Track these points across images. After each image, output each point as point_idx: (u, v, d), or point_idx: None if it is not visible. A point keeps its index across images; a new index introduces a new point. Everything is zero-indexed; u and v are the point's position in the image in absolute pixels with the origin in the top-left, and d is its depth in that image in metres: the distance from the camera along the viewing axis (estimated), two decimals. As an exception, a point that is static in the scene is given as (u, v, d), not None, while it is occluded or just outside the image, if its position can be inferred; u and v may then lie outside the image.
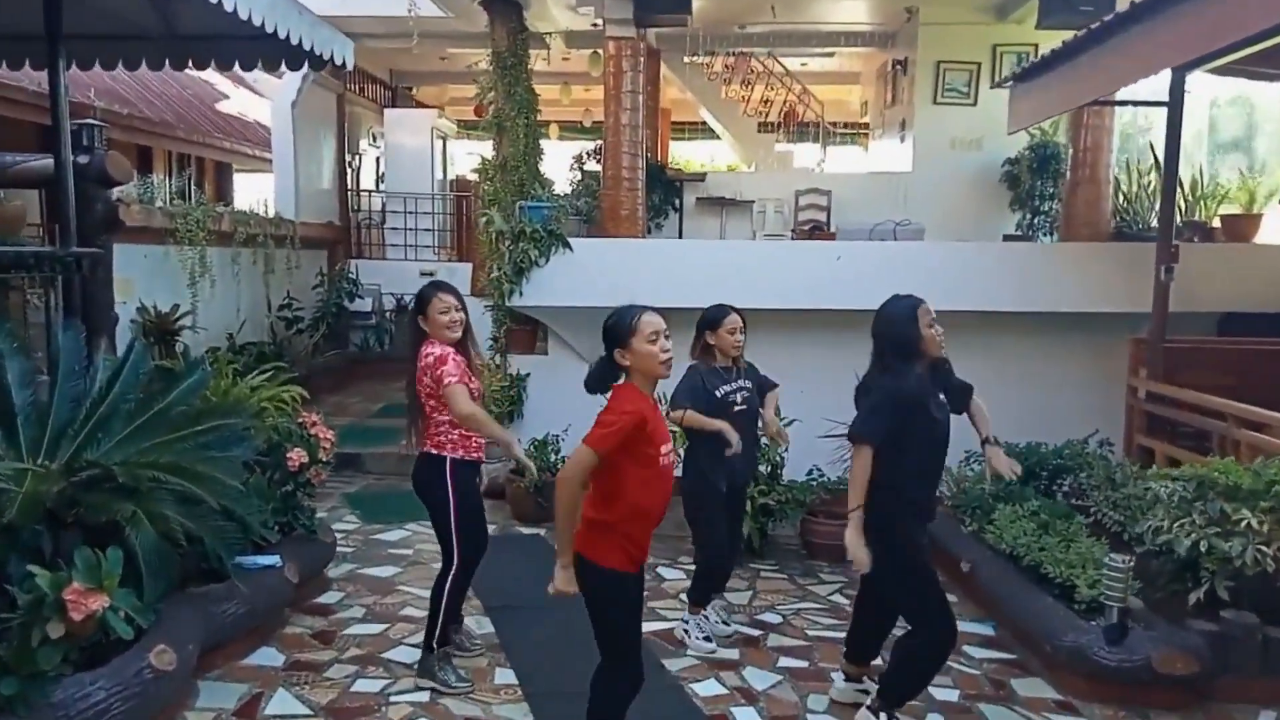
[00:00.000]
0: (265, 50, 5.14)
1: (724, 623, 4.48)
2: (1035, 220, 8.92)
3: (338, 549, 5.06)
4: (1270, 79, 6.06)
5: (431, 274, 11.09)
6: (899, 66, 9.89)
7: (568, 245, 6.51)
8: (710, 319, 4.28)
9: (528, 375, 7.01)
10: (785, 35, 10.21)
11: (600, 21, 9.64)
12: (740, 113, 11.67)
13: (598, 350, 5.55)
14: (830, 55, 11.36)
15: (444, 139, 12.39)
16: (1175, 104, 5.40)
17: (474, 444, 3.84)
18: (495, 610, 4.53)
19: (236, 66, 5.31)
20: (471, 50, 10.74)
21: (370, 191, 12.14)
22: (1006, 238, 8.54)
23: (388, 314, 10.76)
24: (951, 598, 4.95)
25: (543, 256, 6.46)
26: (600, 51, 10.48)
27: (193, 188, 8.60)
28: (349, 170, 11.32)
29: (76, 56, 5.24)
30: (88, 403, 3.95)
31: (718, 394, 4.17)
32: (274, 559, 4.08)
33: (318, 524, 4.65)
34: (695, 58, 10.86)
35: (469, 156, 13.09)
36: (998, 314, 6.41)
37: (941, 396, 3.43)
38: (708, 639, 4.30)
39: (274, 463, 4.36)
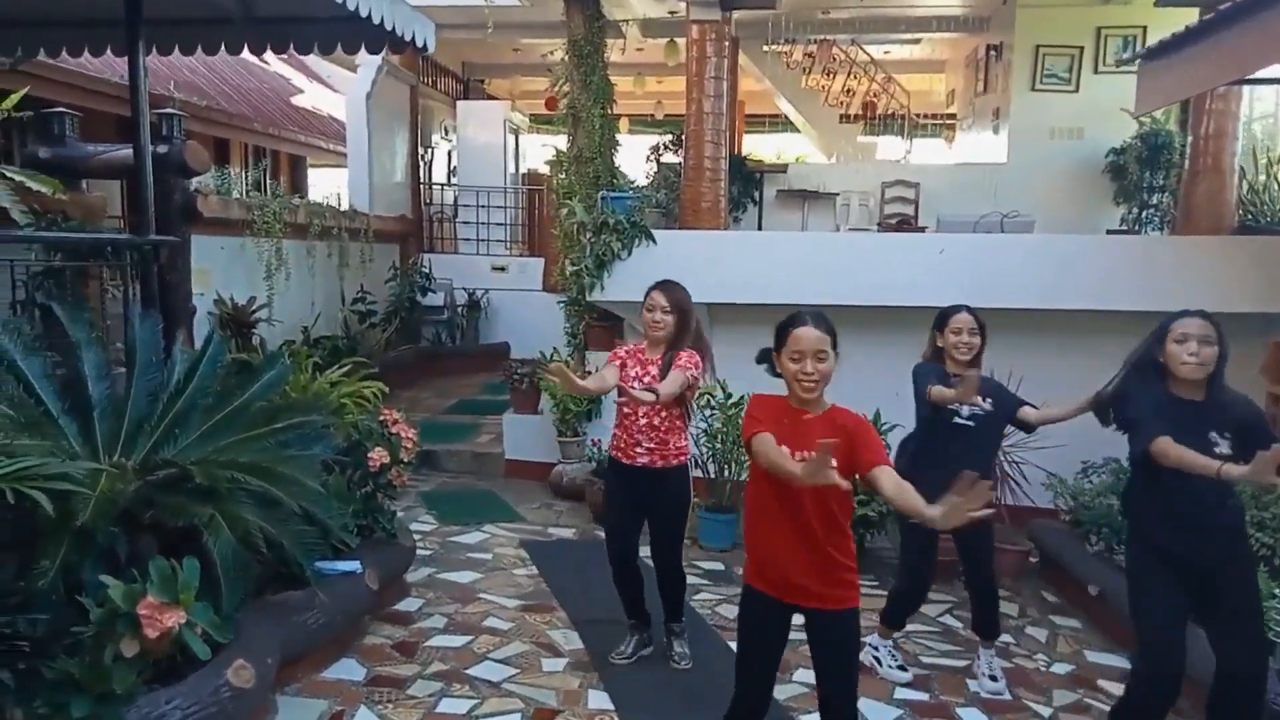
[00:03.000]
0: (344, 32, 4.95)
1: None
2: (1143, 214, 8.38)
3: (416, 551, 4.85)
4: None
5: (503, 269, 10.96)
6: (993, 52, 9.39)
7: (651, 237, 6.21)
8: (939, 318, 3.86)
9: (607, 373, 6.72)
10: (871, 20, 9.79)
11: (681, 7, 9.43)
12: (821, 103, 11.25)
13: None
14: (916, 42, 10.88)
15: (516, 132, 12.21)
16: (1330, 81, 4.87)
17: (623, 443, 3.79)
18: (584, 624, 4.25)
19: (315, 50, 5.12)
20: (544, 40, 10.55)
21: (442, 185, 12.02)
22: (1110, 232, 8.00)
23: (459, 309, 10.62)
24: (1074, 623, 4.61)
25: (625, 249, 6.18)
26: (676, 40, 10.28)
27: (267, 180, 8.54)
28: (421, 163, 11.20)
29: (156, 41, 5.12)
30: (164, 397, 3.79)
31: (948, 406, 3.73)
32: (354, 564, 3.86)
33: (398, 526, 4.43)
34: (775, 46, 10.49)
35: (541, 150, 12.91)
36: (1116, 313, 5.92)
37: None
38: (902, 668, 3.94)
39: (354, 462, 4.16)
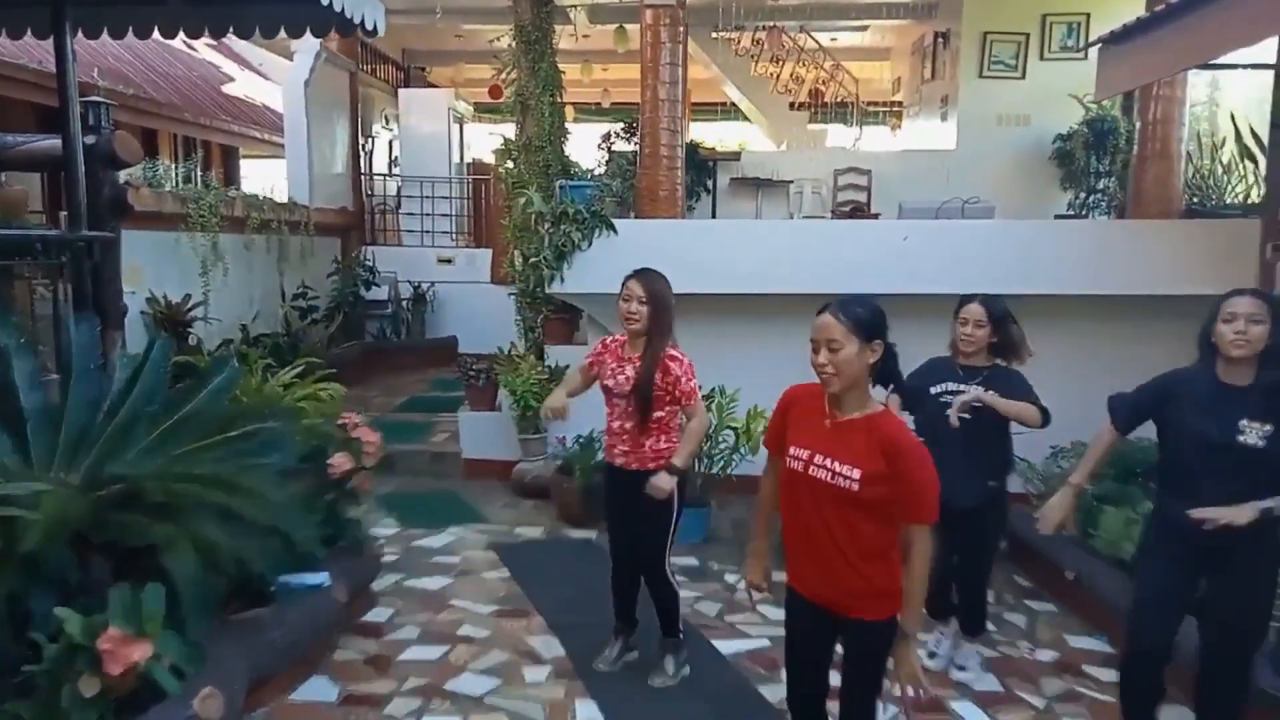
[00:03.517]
0: (288, 15, 4.69)
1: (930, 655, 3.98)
2: (1090, 199, 8.51)
3: (383, 559, 4.63)
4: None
5: (450, 261, 10.68)
6: (940, 39, 9.42)
7: (611, 227, 6.04)
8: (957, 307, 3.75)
9: (566, 367, 6.54)
10: (821, 7, 9.76)
11: (629, -8, 9.27)
12: (770, 90, 11.19)
13: None
14: (864, 29, 10.89)
15: (460, 121, 11.91)
16: (1284, 66, 4.94)
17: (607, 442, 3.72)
18: (563, 629, 4.09)
19: (256, 34, 4.82)
20: (489, 27, 10.28)
21: (384, 175, 11.66)
22: (1057, 217, 8.11)
23: (404, 303, 10.32)
24: (1050, 608, 4.61)
25: (585, 240, 6.00)
26: (625, 26, 10.11)
27: (199, 172, 8.14)
28: (362, 153, 10.83)
29: (82, 23, 4.78)
30: (105, 406, 3.52)
31: (932, 389, 3.65)
32: (322, 577, 3.65)
33: (363, 534, 4.21)
34: (723, 32, 10.39)
35: (486, 139, 12.62)
36: (1077, 297, 5.96)
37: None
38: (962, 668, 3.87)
39: (314, 469, 3.93)
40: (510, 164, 7.41)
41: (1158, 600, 3.02)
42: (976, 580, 3.83)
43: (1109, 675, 3.84)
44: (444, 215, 11.01)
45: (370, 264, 9.99)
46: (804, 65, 10.97)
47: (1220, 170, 7.02)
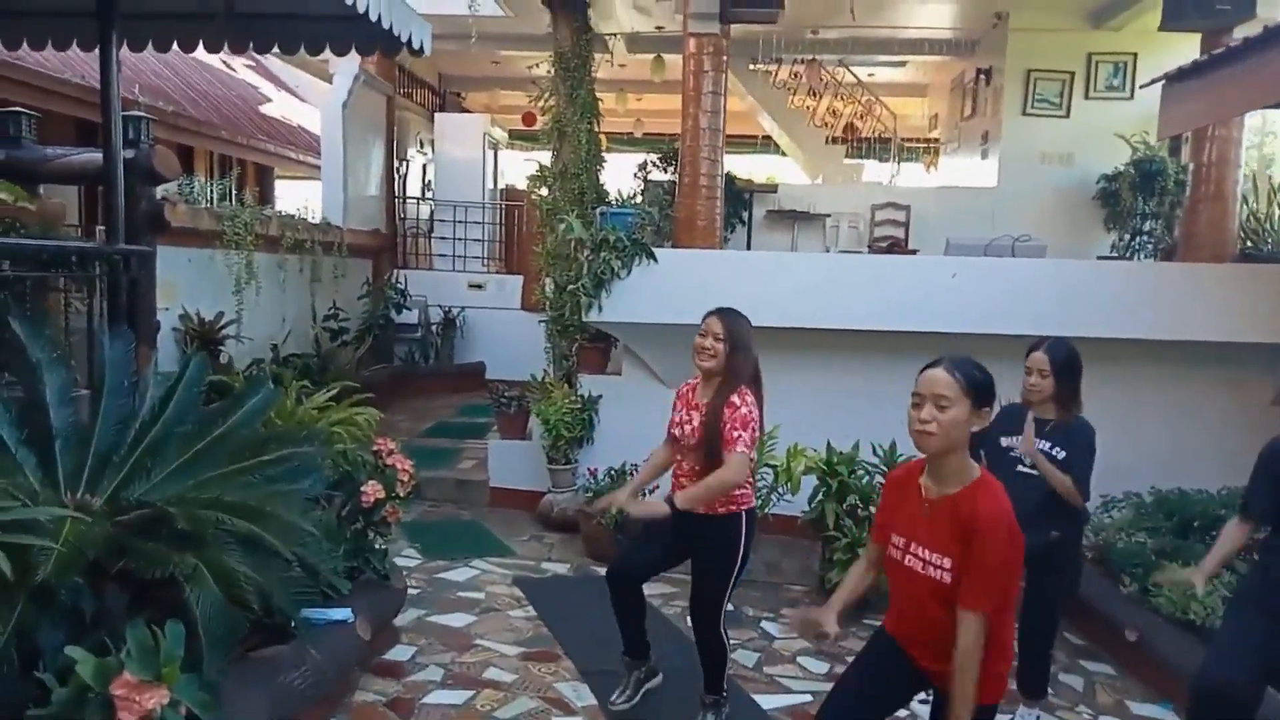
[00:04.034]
0: (335, 31, 4.64)
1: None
2: (1135, 240, 8.31)
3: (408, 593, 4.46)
4: None
5: (480, 286, 10.60)
6: (982, 76, 9.30)
7: (652, 256, 5.91)
8: None
9: (599, 397, 6.41)
10: (861, 42, 9.66)
11: (668, 23, 9.22)
12: (806, 123, 11.10)
13: (678, 371, 4.81)
14: (902, 65, 10.78)
15: (495, 147, 11.89)
16: (1357, 108, 4.76)
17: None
18: (593, 675, 3.90)
19: (302, 50, 4.77)
20: (526, 53, 10.27)
21: (418, 199, 11.64)
22: (1100, 259, 7.91)
23: (434, 327, 10.23)
24: (1107, 669, 4.37)
25: (625, 268, 5.87)
26: (663, 56, 10.07)
27: (234, 190, 8.12)
28: (396, 176, 10.82)
29: (128, 36, 4.74)
30: (136, 425, 3.41)
31: (1002, 443, 3.44)
32: (345, 613, 3.49)
33: (389, 567, 4.05)
34: (761, 65, 10.32)
35: (520, 166, 12.60)
36: (1127, 341, 5.75)
37: None
38: None
39: (344, 497, 3.79)
40: (545, 190, 7.34)
41: (1239, 643, 2.81)
42: (1036, 635, 3.60)
43: (1176, 747, 3.61)
44: (476, 240, 10.95)
45: (401, 287, 9.92)
46: (841, 99, 10.87)
47: (1278, 214, 6.80)
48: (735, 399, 3.24)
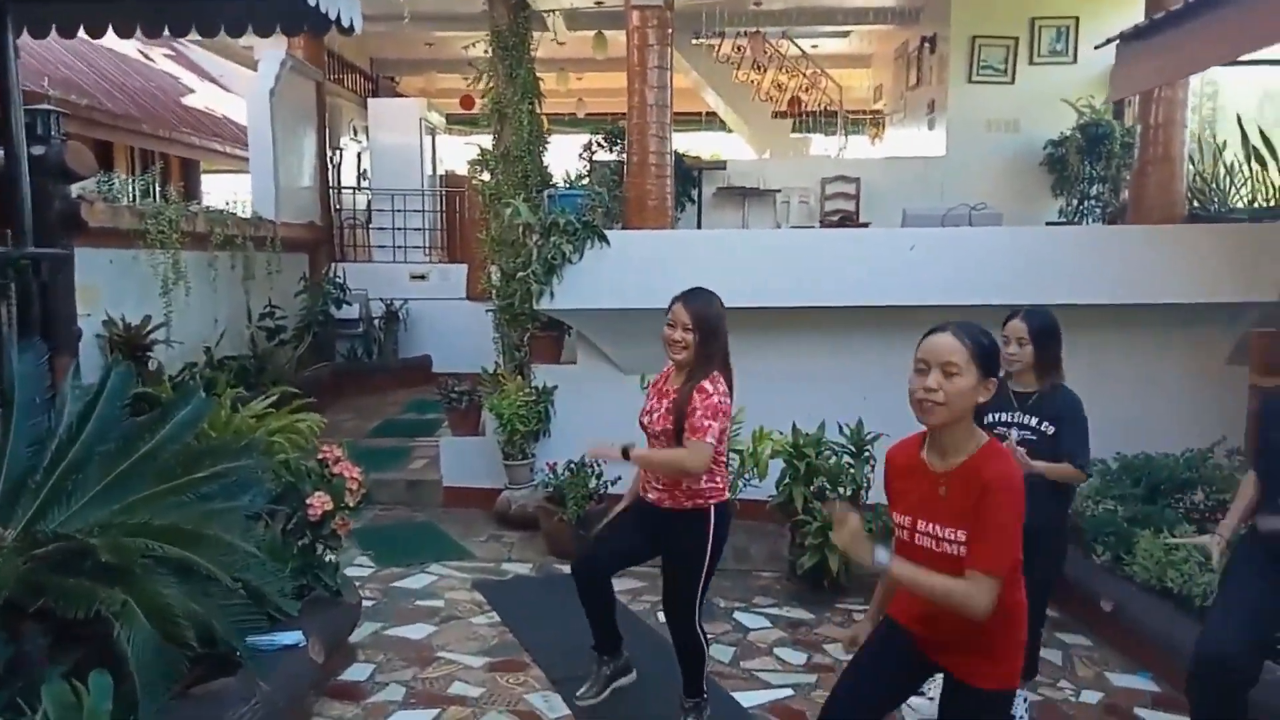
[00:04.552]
0: (256, 11, 4.32)
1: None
2: (1082, 205, 8.31)
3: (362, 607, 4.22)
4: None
5: (423, 277, 10.27)
6: (926, 44, 9.22)
7: (604, 239, 5.70)
8: None
9: (554, 388, 6.19)
10: (805, 12, 9.51)
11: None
12: (751, 98, 10.95)
13: (636, 358, 4.59)
14: (845, 35, 10.69)
15: (433, 132, 11.51)
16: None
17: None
18: (564, 684, 3.71)
19: (222, 32, 4.43)
20: (462, 34, 9.94)
21: (354, 189, 11.24)
22: (1049, 224, 7.91)
23: (376, 321, 9.89)
24: (1083, 641, 4.31)
25: (576, 252, 5.65)
26: (604, 33, 9.81)
27: (158, 186, 7.68)
28: (330, 166, 10.40)
29: (27, 22, 4.37)
30: (53, 446, 3.11)
31: (985, 419, 3.28)
32: (296, 636, 3.25)
33: (341, 581, 3.81)
34: (704, 39, 10.13)
35: (459, 150, 12.23)
36: (1089, 307, 5.70)
37: None
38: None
39: (288, 511, 3.53)
40: (487, 175, 7.07)
41: (1239, 611, 2.73)
42: (1038, 609, 3.49)
43: (1164, 718, 3.55)
44: (416, 230, 10.60)
45: (340, 281, 9.55)
46: (786, 73, 10.73)
47: (1223, 174, 6.82)
48: (707, 384, 3.07)
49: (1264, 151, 6.33)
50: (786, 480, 5.03)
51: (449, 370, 8.60)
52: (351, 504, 3.62)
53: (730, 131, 12.49)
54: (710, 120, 12.75)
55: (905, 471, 2.19)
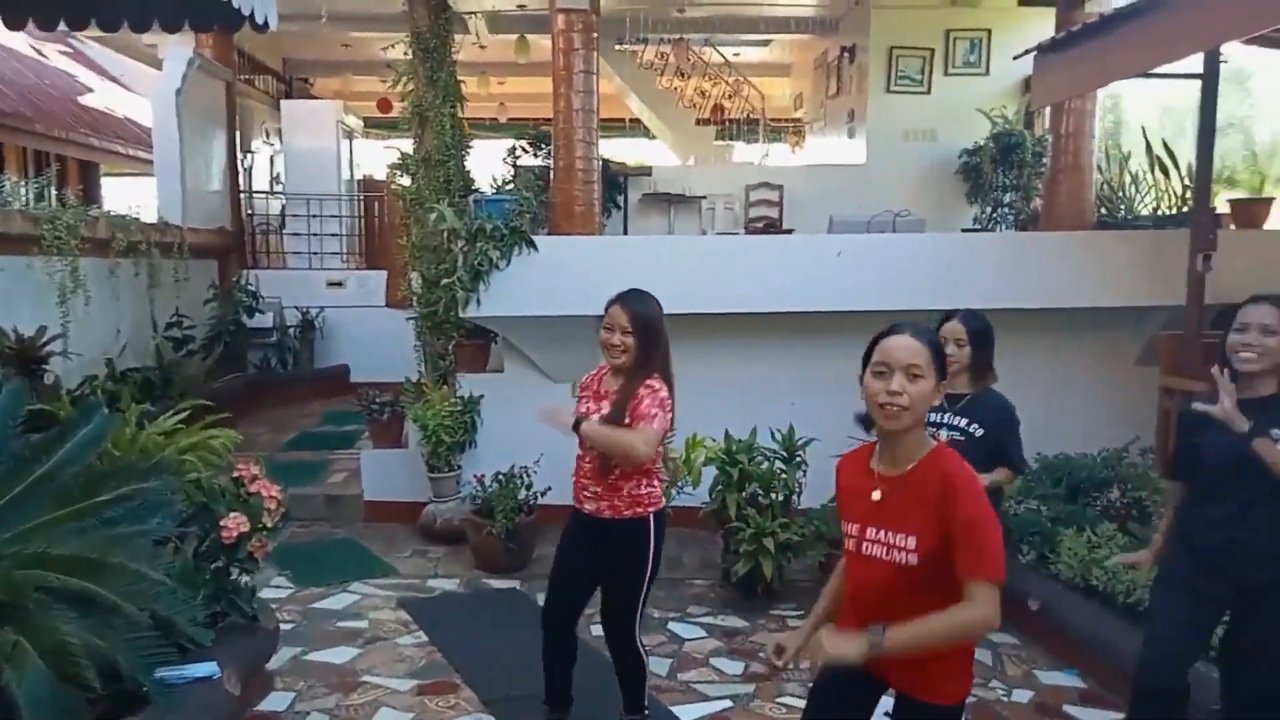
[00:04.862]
0: (163, 5, 4.09)
1: None
2: (996, 212, 8.55)
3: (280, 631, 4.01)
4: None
5: (340, 284, 9.96)
6: (846, 54, 9.37)
7: (532, 244, 5.59)
8: None
9: (481, 398, 6.05)
10: (727, 20, 9.57)
11: (530, 2, 8.84)
12: (674, 105, 10.96)
13: (565, 365, 4.49)
14: (766, 44, 10.78)
15: (350, 135, 11.19)
16: (1210, 76, 4.93)
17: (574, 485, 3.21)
18: (498, 705, 3.58)
19: (125, 27, 4.18)
20: (378, 35, 9.70)
21: (267, 193, 10.84)
22: (965, 231, 8.11)
23: (290, 330, 9.54)
24: (1010, 639, 4.39)
25: (504, 258, 5.53)
26: (526, 36, 9.69)
27: (54, 190, 7.25)
28: (241, 170, 10.00)
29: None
30: (-66, 470, 2.86)
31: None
32: (210, 667, 3.04)
33: (259, 606, 3.60)
34: (628, 45, 10.10)
35: (378, 154, 11.90)
36: (1010, 311, 5.83)
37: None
38: None
39: (201, 534, 3.32)
40: (408, 180, 6.88)
41: (1172, 633, 2.78)
42: None
43: (1094, 716, 3.63)
44: (333, 235, 10.28)
45: (253, 289, 9.18)
46: (709, 80, 10.78)
47: (1129, 182, 7.09)
48: (653, 382, 3.00)
49: (1167, 161, 6.60)
50: (720, 487, 4.99)
51: (368, 380, 8.37)
52: (270, 524, 3.43)
53: (654, 138, 12.49)
54: (634, 127, 12.73)
55: (854, 480, 2.16)
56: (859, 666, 2.09)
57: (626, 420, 2.97)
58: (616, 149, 14.99)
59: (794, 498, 5.04)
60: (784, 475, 4.97)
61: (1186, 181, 6.51)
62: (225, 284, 9.15)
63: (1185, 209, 6.50)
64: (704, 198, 8.76)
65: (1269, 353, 2.61)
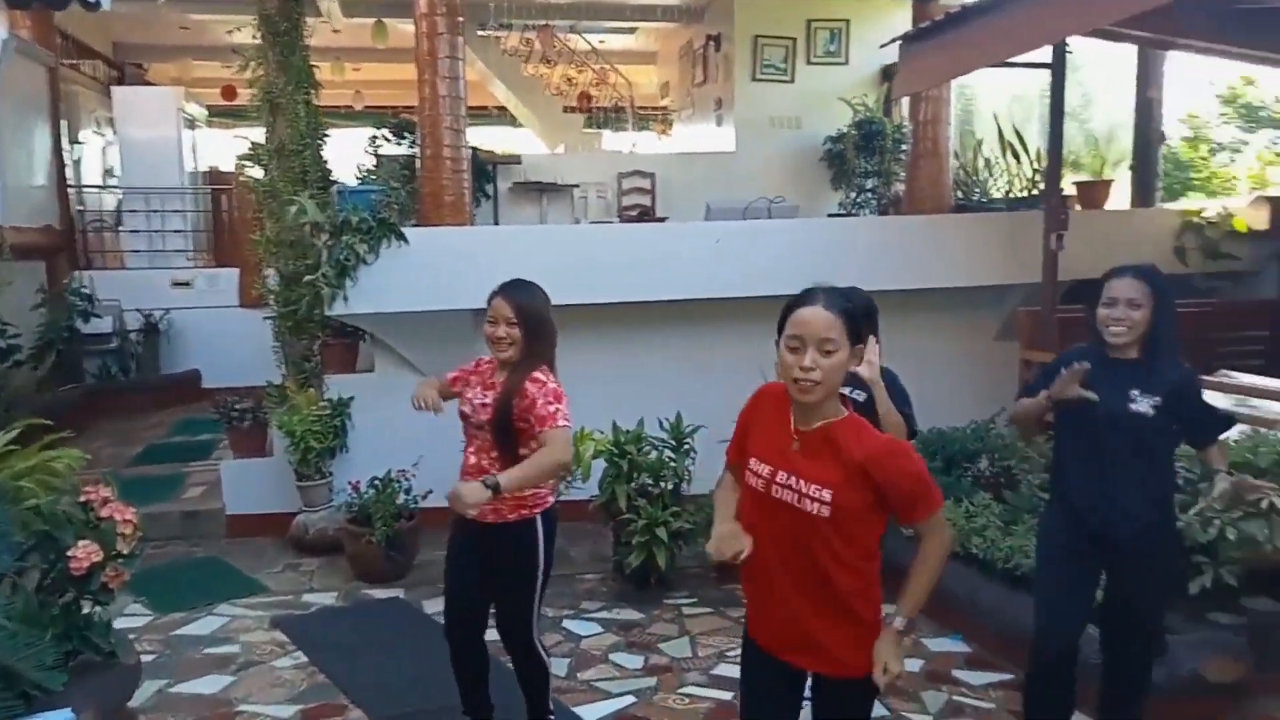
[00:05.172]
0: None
1: None
2: (859, 198, 8.81)
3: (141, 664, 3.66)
4: (1134, 40, 6.08)
5: (187, 284, 9.31)
6: (712, 42, 9.43)
7: (402, 237, 5.32)
8: None
9: (351, 399, 5.74)
10: (591, 7, 9.46)
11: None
12: (541, 92, 10.78)
13: (438, 361, 4.37)
14: (632, 32, 10.74)
15: (193, 124, 10.45)
16: (1058, 66, 5.20)
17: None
18: (391, 723, 3.39)
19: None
20: (221, 18, 9.11)
21: (100, 188, 9.99)
22: (830, 216, 8.33)
23: (132, 334, 8.84)
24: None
25: (372, 252, 5.24)
26: (384, 20, 9.28)
27: None
28: (69, 162, 9.16)
29: None
30: None
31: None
32: (63, 715, 2.71)
33: (116, 641, 3.25)
34: (491, 31, 9.84)
35: (227, 144, 11.16)
36: (879, 293, 5.99)
37: None
38: None
39: (44, 566, 2.97)
40: (260, 171, 6.46)
41: (1063, 599, 2.90)
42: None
43: (980, 678, 3.76)
44: (177, 232, 9.57)
45: (87, 291, 8.45)
46: (575, 67, 10.65)
47: (983, 166, 7.43)
48: (540, 375, 2.88)
49: (1017, 147, 6.94)
50: (609, 479, 4.91)
51: (223, 385, 7.87)
52: (125, 550, 3.09)
53: (521, 126, 12.26)
54: (500, 115, 12.46)
55: (772, 414, 2.12)
56: (775, 660, 2.07)
57: (523, 424, 2.85)
58: (483, 137, 14.68)
59: (683, 485, 5.01)
60: (673, 463, 4.93)
61: (1036, 165, 6.87)
62: (55, 287, 8.37)
63: (1035, 191, 6.87)
64: (576, 186, 8.64)
65: (1136, 325, 2.79)
